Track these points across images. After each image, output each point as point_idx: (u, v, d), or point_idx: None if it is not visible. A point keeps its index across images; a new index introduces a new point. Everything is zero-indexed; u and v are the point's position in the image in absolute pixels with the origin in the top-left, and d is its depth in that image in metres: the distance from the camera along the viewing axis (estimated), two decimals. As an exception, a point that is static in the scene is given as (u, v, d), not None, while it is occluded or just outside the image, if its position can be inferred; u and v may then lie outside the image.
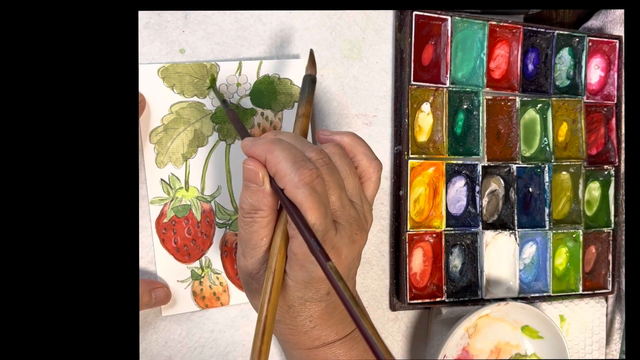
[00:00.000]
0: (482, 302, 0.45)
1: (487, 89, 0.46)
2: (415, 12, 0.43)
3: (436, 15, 0.44)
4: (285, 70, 0.42)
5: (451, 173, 0.45)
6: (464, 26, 0.45)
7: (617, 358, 0.51)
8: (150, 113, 0.39)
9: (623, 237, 0.50)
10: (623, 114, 0.50)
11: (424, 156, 0.44)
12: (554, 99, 0.48)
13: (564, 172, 0.49)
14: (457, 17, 0.44)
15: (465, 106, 0.45)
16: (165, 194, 0.39)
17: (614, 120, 0.50)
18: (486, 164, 0.46)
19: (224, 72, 0.40)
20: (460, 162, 0.45)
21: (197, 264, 0.40)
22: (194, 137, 0.40)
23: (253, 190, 0.30)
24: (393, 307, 0.45)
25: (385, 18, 0.44)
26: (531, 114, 0.48)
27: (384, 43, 0.45)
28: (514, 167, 0.46)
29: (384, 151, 0.45)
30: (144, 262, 0.40)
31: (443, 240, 0.45)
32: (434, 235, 0.44)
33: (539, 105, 0.47)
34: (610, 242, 0.50)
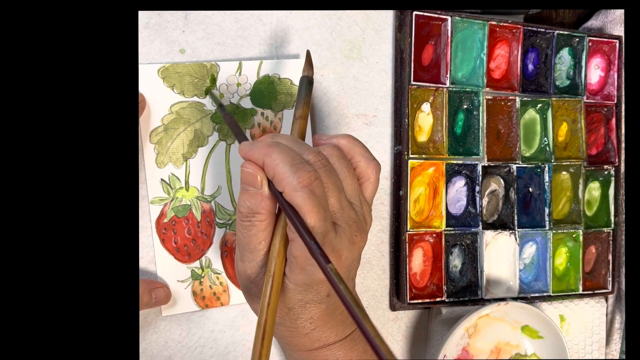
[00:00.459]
0: (482, 302, 0.45)
1: (487, 89, 0.46)
2: (415, 12, 0.43)
3: (436, 15, 0.44)
4: (285, 70, 0.41)
5: (451, 173, 0.45)
6: (464, 26, 0.45)
7: (617, 358, 0.51)
8: (151, 113, 0.39)
9: (623, 237, 0.50)
10: (623, 114, 0.50)
11: (424, 156, 0.44)
12: (554, 99, 0.48)
13: (564, 172, 0.49)
14: (457, 17, 0.44)
15: (465, 106, 0.45)
16: (166, 194, 0.39)
17: (614, 120, 0.50)
18: (486, 164, 0.46)
19: (224, 72, 0.40)
20: (460, 162, 0.45)
21: (197, 264, 0.40)
22: (194, 137, 0.40)
23: (251, 194, 0.30)
24: (393, 307, 0.45)
25: (385, 18, 0.44)
26: (531, 114, 0.48)
27: (384, 43, 0.45)
28: (514, 167, 0.46)
29: (384, 151, 0.45)
30: (144, 262, 0.40)
31: (443, 240, 0.45)
32: (434, 235, 0.44)
33: (539, 105, 0.47)
34: (610, 242, 0.50)
